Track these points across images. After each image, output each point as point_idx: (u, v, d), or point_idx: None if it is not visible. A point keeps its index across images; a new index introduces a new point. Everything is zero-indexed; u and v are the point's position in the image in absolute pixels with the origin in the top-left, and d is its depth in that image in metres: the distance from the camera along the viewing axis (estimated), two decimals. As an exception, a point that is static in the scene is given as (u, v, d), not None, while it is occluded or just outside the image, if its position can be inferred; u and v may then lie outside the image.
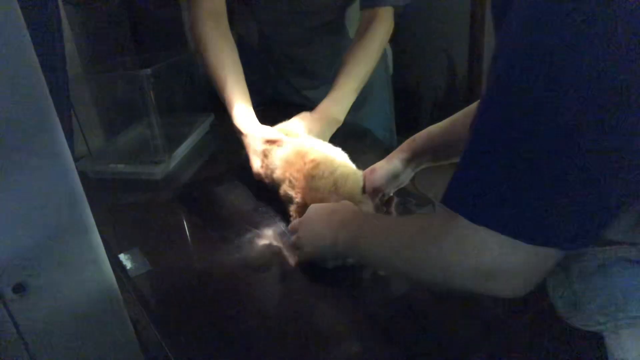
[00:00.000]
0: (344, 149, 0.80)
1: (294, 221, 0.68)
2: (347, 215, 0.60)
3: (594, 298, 0.40)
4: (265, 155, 0.82)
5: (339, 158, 0.76)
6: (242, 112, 0.89)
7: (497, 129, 0.37)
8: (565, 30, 0.32)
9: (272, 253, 0.69)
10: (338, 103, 0.98)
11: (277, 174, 0.77)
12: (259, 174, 0.84)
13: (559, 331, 0.45)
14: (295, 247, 0.66)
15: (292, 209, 0.72)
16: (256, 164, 0.84)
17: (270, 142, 0.83)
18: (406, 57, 2.25)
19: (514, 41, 0.35)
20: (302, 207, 0.70)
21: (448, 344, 0.52)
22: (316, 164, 0.72)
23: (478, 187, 0.38)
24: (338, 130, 0.96)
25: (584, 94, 0.32)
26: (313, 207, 0.66)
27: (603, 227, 0.37)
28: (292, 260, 0.67)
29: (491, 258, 0.38)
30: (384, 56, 1.32)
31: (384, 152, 0.75)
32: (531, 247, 0.36)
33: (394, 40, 2.00)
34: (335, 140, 0.82)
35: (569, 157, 0.34)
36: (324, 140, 0.92)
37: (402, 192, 0.81)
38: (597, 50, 0.31)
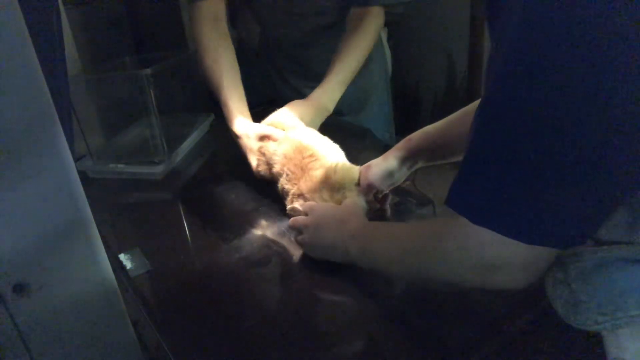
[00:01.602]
0: (343, 148, 0.81)
1: (296, 219, 0.68)
2: (356, 226, 0.62)
3: (592, 297, 0.40)
4: (262, 153, 0.83)
5: (335, 152, 0.79)
6: (237, 115, 0.90)
7: (495, 133, 0.38)
8: (560, 35, 0.32)
9: (272, 253, 0.69)
10: (328, 93, 0.99)
11: (277, 169, 0.78)
12: (258, 172, 0.84)
13: (559, 331, 0.45)
14: (301, 246, 0.68)
15: (288, 200, 0.75)
16: (254, 163, 0.85)
17: (264, 137, 0.84)
18: (406, 57, 2.25)
19: (511, 45, 0.36)
20: (298, 196, 0.73)
21: (448, 344, 0.52)
22: (314, 158, 0.75)
23: (477, 189, 0.40)
24: (338, 130, 0.96)
25: (580, 98, 0.33)
26: (321, 211, 0.67)
27: (596, 226, 0.39)
28: (295, 254, 0.68)
29: (492, 255, 0.40)
30: (383, 58, 1.33)
31: (383, 151, 0.75)
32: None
33: (394, 40, 2.00)
34: (335, 140, 0.82)
35: (564, 160, 0.35)
36: (315, 127, 0.94)
37: (402, 192, 0.81)
38: (593, 53, 0.31)
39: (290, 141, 0.79)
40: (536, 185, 0.36)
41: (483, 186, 0.39)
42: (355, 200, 0.69)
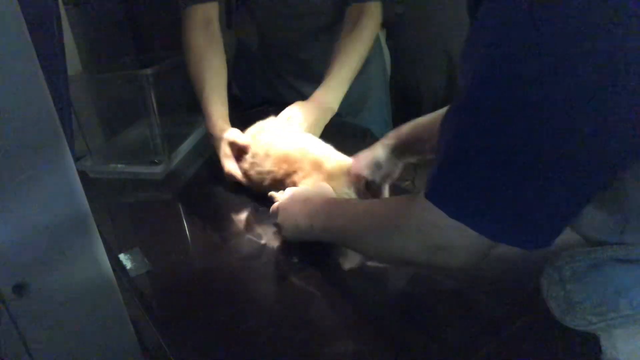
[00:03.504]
0: (343, 148, 0.81)
1: (274, 204, 0.71)
2: (320, 202, 0.64)
3: (586, 298, 0.40)
4: (246, 157, 0.84)
5: (327, 149, 0.79)
6: (216, 117, 0.91)
7: (468, 130, 0.39)
8: (534, 30, 0.33)
9: (272, 253, 0.69)
10: (332, 91, 0.98)
11: (267, 183, 0.80)
12: (230, 175, 0.85)
13: (557, 331, 0.45)
14: (277, 229, 0.71)
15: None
16: (228, 166, 0.85)
17: (232, 144, 0.85)
18: (406, 57, 2.25)
19: (486, 39, 0.36)
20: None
21: (448, 344, 0.52)
22: (299, 164, 0.76)
23: (452, 184, 0.41)
24: (338, 130, 0.96)
25: (550, 96, 0.33)
26: (290, 193, 0.69)
27: (562, 228, 0.39)
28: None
29: (442, 237, 0.42)
30: (381, 59, 1.32)
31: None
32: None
33: (394, 40, 1.99)
34: (335, 140, 0.82)
35: (531, 163, 0.36)
36: (319, 129, 0.95)
37: (402, 192, 0.81)
38: (566, 50, 0.32)
39: (273, 155, 0.80)
40: (505, 185, 0.37)
41: (458, 183, 0.40)
42: (327, 184, 0.71)
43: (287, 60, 1.24)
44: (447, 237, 0.42)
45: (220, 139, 0.88)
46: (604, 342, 0.43)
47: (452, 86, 2.19)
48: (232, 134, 0.86)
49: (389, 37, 1.99)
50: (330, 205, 0.63)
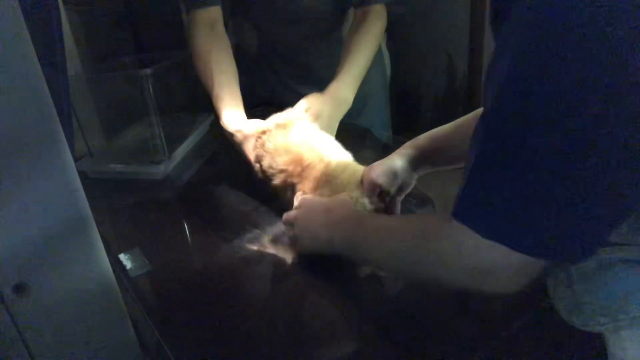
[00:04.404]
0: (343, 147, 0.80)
1: (289, 213, 0.68)
2: (342, 214, 0.61)
3: (595, 299, 0.40)
4: (259, 151, 0.81)
5: (338, 152, 0.76)
6: (230, 112, 0.89)
7: (499, 146, 0.37)
8: (567, 43, 0.32)
9: (272, 253, 0.69)
10: (346, 84, 0.97)
11: (277, 182, 0.77)
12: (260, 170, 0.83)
13: (560, 331, 0.45)
14: (293, 241, 0.67)
15: (294, 196, 0.73)
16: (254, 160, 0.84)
17: (261, 132, 0.82)
18: (406, 57, 2.25)
19: (514, 55, 0.35)
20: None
21: (448, 344, 0.52)
22: (312, 165, 0.73)
23: (484, 203, 0.39)
24: (339, 130, 0.96)
25: (587, 109, 0.32)
26: (308, 203, 0.67)
27: (603, 240, 0.38)
28: (289, 254, 0.68)
29: (486, 259, 0.40)
30: (381, 62, 1.32)
31: (382, 150, 0.74)
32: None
33: (394, 41, 1.99)
34: (335, 139, 0.82)
35: (569, 175, 0.34)
36: (334, 122, 0.92)
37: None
38: (601, 63, 0.31)
39: (286, 151, 0.76)
40: (536, 198, 0.36)
41: (489, 200, 0.38)
42: (346, 195, 0.68)
43: (287, 63, 1.24)
44: (487, 259, 0.39)
45: (236, 132, 0.85)
46: (612, 343, 0.42)
47: (452, 86, 2.19)
48: (253, 126, 0.83)
49: (389, 38, 1.99)
50: (354, 220, 0.59)
